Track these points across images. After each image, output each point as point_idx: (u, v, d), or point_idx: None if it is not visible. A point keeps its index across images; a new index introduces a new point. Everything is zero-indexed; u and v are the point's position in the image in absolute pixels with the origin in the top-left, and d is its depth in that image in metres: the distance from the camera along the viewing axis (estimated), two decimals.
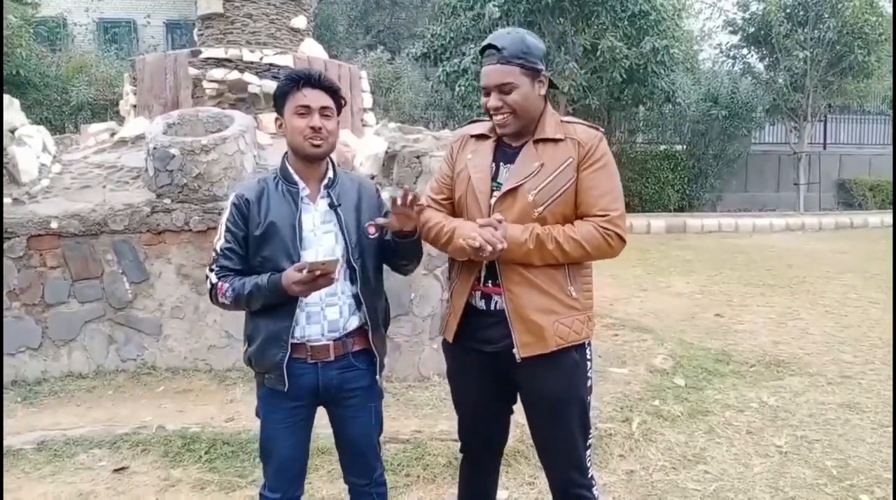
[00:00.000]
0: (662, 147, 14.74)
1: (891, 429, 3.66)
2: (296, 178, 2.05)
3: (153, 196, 4.31)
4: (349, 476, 2.21)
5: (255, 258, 2.02)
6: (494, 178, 2.06)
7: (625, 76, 11.47)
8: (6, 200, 4.21)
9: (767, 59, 14.57)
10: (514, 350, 1.99)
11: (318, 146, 2.00)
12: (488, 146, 2.10)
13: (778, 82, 14.08)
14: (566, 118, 2.10)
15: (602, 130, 2.10)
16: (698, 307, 6.52)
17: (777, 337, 5.48)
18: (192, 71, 5.30)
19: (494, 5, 10.96)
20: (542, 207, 1.98)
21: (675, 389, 4.18)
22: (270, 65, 5.33)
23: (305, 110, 1.99)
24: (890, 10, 13.67)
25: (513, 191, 2.00)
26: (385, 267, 2.18)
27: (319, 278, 1.86)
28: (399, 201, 1.93)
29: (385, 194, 2.38)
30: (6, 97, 4.59)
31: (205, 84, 5.27)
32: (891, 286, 7.01)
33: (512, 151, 2.07)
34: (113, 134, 5.55)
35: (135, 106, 5.73)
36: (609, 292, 6.88)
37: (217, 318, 4.30)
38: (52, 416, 3.70)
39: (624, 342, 5.09)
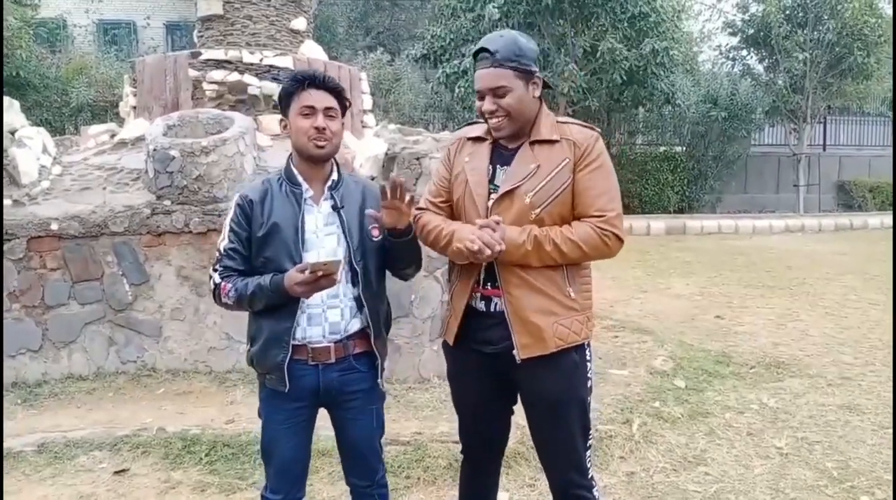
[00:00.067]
0: (662, 149, 14.74)
1: (891, 430, 3.66)
2: (299, 179, 2.05)
3: (153, 198, 4.31)
4: (351, 478, 2.21)
5: (257, 259, 2.02)
6: (491, 180, 2.06)
7: (624, 78, 11.48)
8: (6, 201, 4.21)
9: (767, 60, 14.57)
10: (514, 352, 1.99)
11: (321, 147, 2.00)
12: (485, 149, 2.10)
13: (777, 84, 14.09)
14: (561, 119, 2.10)
15: (598, 129, 2.10)
16: (698, 309, 6.52)
17: (777, 339, 5.48)
18: (192, 72, 5.30)
19: (494, 7, 10.97)
20: (539, 209, 1.98)
21: (676, 390, 4.18)
22: (270, 66, 5.33)
23: (310, 111, 1.99)
24: (889, 11, 13.69)
25: (510, 193, 2.00)
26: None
27: (321, 278, 1.86)
28: (388, 191, 1.92)
29: None
30: (6, 99, 4.59)
31: (205, 86, 5.27)
32: (891, 288, 7.01)
33: (508, 152, 2.07)
34: (113, 136, 5.55)
35: (135, 107, 5.72)
36: (609, 293, 6.88)
37: (217, 320, 4.30)
38: (52, 418, 3.69)
39: (624, 344, 5.09)
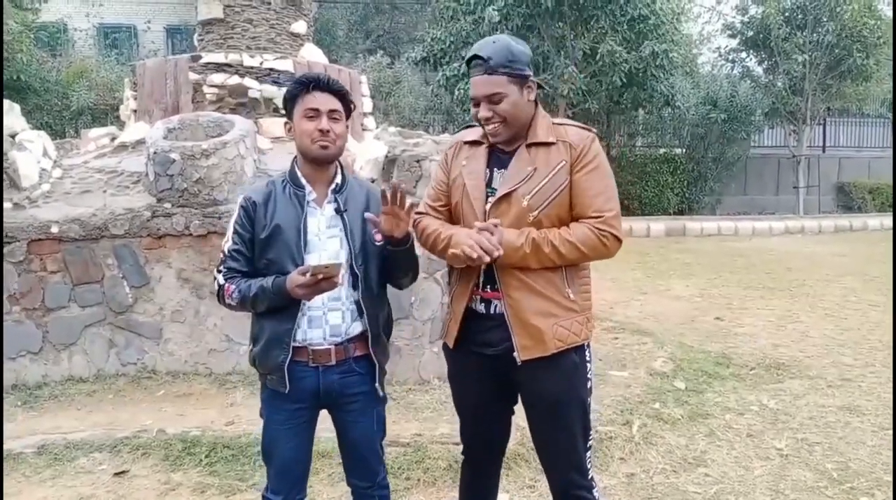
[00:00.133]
0: (662, 151, 14.75)
1: (891, 432, 3.67)
2: (303, 181, 2.06)
3: (153, 201, 4.32)
4: (351, 479, 2.21)
5: (260, 260, 2.03)
6: (489, 183, 2.07)
7: (624, 80, 11.49)
8: (6, 204, 4.22)
9: (766, 62, 14.59)
10: (515, 354, 2.00)
11: (325, 148, 2.01)
12: (482, 152, 2.11)
13: (777, 86, 14.10)
14: (558, 120, 2.11)
15: (594, 130, 2.10)
16: (698, 310, 6.52)
17: (777, 340, 5.48)
18: (193, 76, 5.31)
19: (494, 9, 10.99)
20: (536, 211, 1.99)
21: (676, 392, 4.18)
22: (270, 69, 5.34)
23: (314, 113, 2.00)
24: (889, 13, 13.69)
25: (507, 196, 2.01)
26: None
27: (322, 281, 1.87)
28: (389, 196, 1.92)
29: None
30: (6, 102, 4.60)
31: (205, 89, 5.28)
32: (890, 289, 7.01)
33: (505, 156, 2.08)
34: (113, 139, 5.56)
35: (135, 111, 5.74)
36: (609, 295, 6.89)
37: (217, 322, 4.30)
38: (52, 420, 3.70)
39: (624, 346, 5.09)
